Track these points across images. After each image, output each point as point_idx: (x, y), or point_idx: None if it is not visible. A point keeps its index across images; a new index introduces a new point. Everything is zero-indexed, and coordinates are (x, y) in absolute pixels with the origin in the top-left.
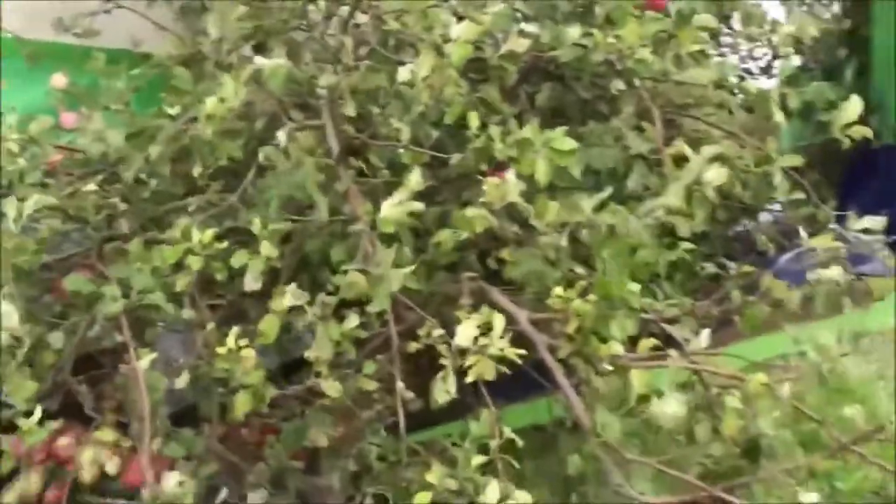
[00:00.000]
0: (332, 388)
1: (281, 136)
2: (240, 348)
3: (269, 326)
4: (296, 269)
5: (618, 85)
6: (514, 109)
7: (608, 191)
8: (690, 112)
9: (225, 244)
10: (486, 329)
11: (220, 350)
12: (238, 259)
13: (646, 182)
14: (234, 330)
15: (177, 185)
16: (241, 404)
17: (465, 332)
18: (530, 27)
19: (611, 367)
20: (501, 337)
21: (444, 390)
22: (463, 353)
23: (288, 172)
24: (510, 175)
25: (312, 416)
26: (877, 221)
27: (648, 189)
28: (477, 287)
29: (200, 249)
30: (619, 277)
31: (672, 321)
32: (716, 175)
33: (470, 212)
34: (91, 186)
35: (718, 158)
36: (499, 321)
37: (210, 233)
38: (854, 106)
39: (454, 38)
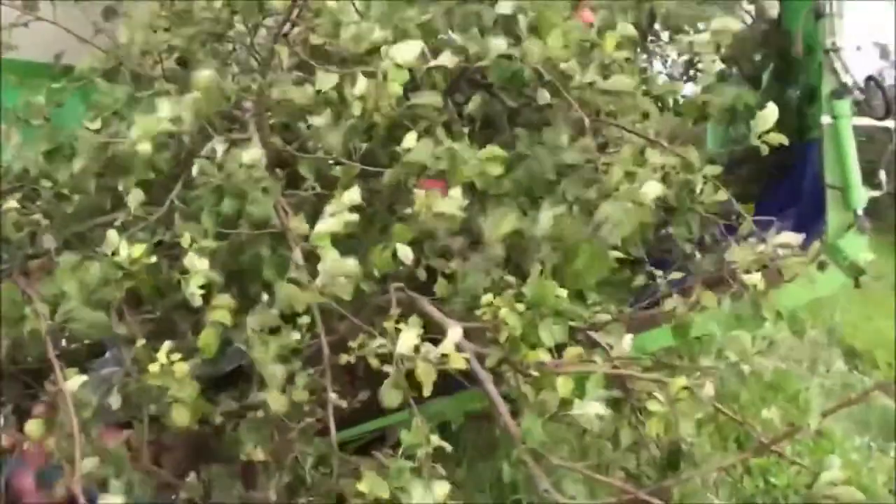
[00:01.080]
0: (276, 400)
1: (218, 147)
2: (171, 363)
3: (207, 340)
4: (227, 281)
5: (545, 95)
6: (443, 118)
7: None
8: (617, 120)
9: (154, 259)
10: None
11: (152, 366)
12: (174, 274)
13: (578, 193)
14: (167, 344)
15: (102, 200)
16: (180, 418)
17: (406, 341)
18: (456, 37)
19: (536, 374)
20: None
21: (393, 395)
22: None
23: (218, 185)
24: (454, 189)
25: (246, 429)
26: (795, 237)
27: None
28: (406, 298)
29: (129, 264)
30: (551, 285)
31: (599, 328)
32: (654, 188)
33: (400, 225)
34: (12, 203)
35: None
36: (454, 332)
37: (140, 247)
38: (770, 114)
39: (392, 60)
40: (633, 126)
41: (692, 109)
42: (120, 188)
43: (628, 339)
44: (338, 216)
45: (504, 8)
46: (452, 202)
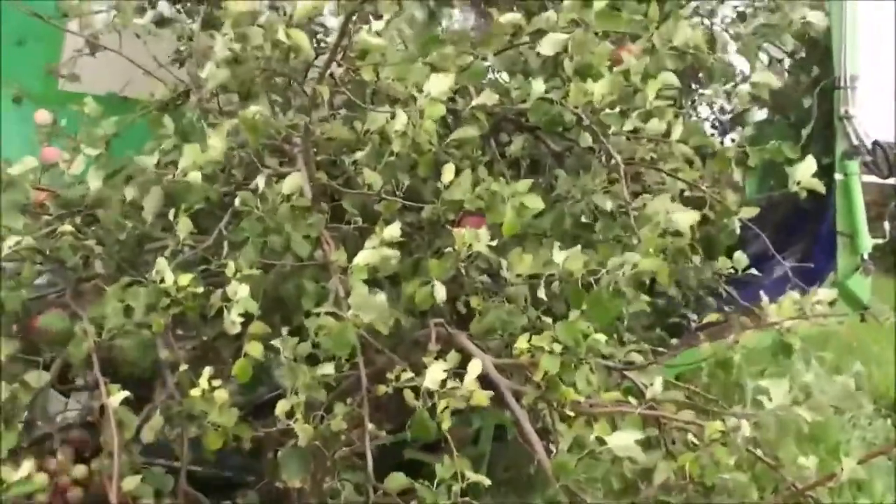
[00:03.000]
0: (303, 430)
1: (260, 181)
2: (213, 389)
3: (242, 369)
4: (269, 310)
5: (586, 139)
6: (485, 158)
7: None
8: (657, 165)
9: (201, 288)
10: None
11: (194, 391)
12: (215, 302)
13: (613, 235)
14: (207, 370)
15: (154, 228)
16: (212, 442)
17: (433, 375)
18: (501, 78)
19: (573, 414)
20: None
21: (420, 428)
22: (431, 394)
23: (263, 217)
24: (482, 227)
25: (285, 457)
26: (830, 294)
27: (618, 240)
28: (445, 332)
29: (176, 292)
30: (587, 328)
31: (634, 368)
32: (685, 217)
33: (435, 261)
34: (67, 227)
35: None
36: (475, 366)
37: (187, 277)
38: (809, 166)
39: (427, 94)
40: (674, 171)
41: (723, 163)
42: (170, 217)
43: (659, 380)
44: (376, 250)
45: (546, 48)
46: (482, 242)
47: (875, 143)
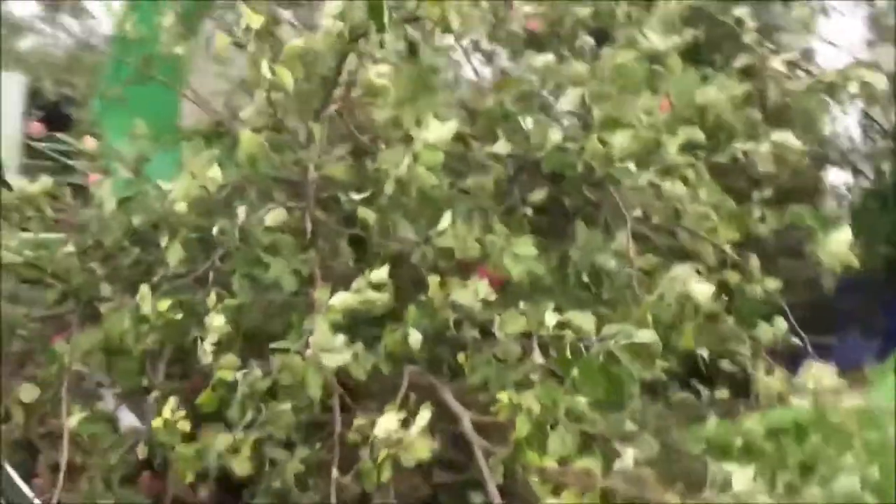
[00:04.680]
0: (240, 464)
1: (240, 213)
2: (176, 420)
3: (207, 399)
4: (246, 344)
5: (604, 192)
6: (501, 206)
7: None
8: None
9: (180, 315)
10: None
11: (155, 421)
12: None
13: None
14: (171, 401)
15: (151, 254)
16: (181, 472)
17: (385, 424)
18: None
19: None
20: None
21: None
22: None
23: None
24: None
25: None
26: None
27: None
28: (427, 382)
29: (155, 318)
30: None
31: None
32: (702, 289)
33: (414, 308)
34: (70, 248)
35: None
36: (422, 417)
37: (165, 303)
38: (842, 237)
39: (425, 140)
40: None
41: (740, 224)
42: (161, 245)
43: (630, 454)
44: (359, 292)
45: (566, 104)
46: (470, 293)
47: None
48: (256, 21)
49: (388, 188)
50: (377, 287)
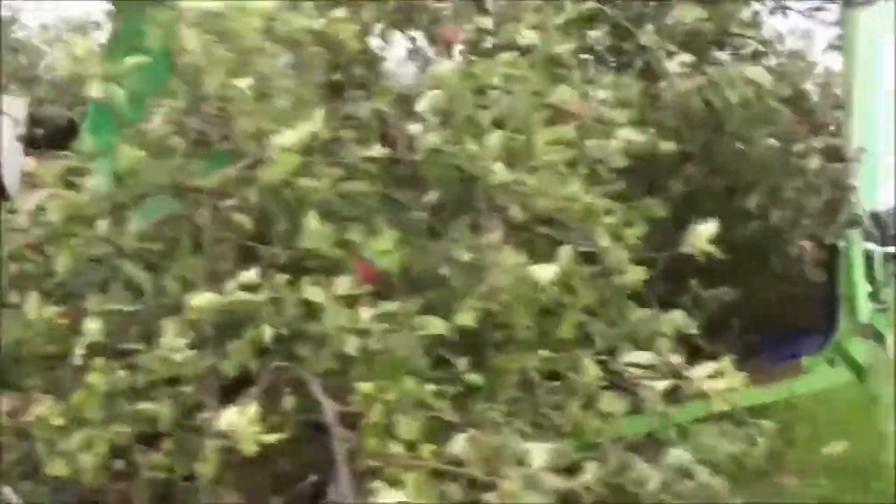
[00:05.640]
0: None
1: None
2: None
3: (80, 399)
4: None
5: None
6: (383, 208)
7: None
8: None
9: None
10: None
11: (25, 415)
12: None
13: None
14: (48, 402)
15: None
16: (57, 468)
17: (227, 417)
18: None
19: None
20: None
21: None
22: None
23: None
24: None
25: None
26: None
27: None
28: (297, 376)
29: (40, 324)
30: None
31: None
32: (545, 271)
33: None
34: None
35: None
36: (252, 408)
37: (51, 309)
38: (707, 230)
39: (279, 146)
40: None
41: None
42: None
43: (461, 438)
44: (230, 294)
45: (424, 105)
46: (317, 293)
47: (873, 214)
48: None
49: (251, 195)
50: (251, 289)
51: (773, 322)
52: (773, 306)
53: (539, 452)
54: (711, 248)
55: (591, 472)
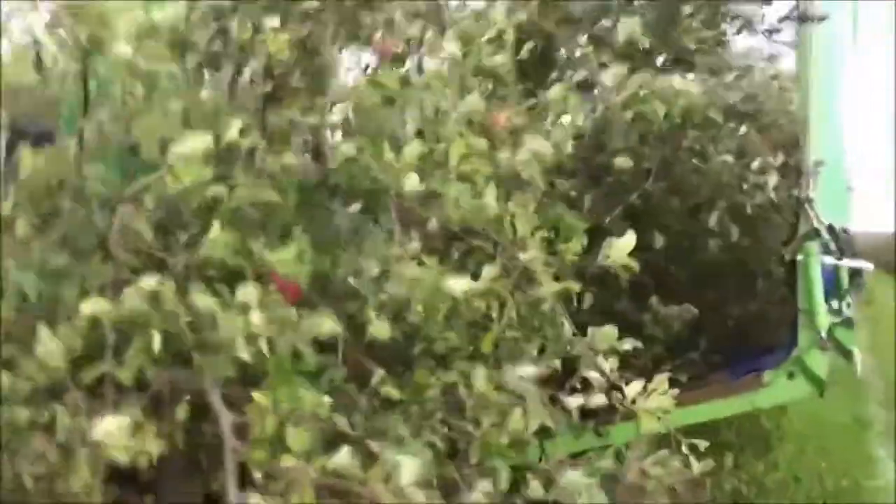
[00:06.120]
0: None
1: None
2: None
3: None
4: None
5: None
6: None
7: None
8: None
9: None
10: None
11: None
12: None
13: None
14: None
15: None
16: None
17: (103, 426)
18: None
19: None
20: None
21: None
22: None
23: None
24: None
25: None
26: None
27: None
28: (199, 387)
29: None
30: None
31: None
32: (458, 285)
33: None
34: None
35: None
36: (111, 421)
37: None
38: (627, 242)
39: (182, 154)
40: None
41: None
42: None
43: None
44: (122, 302)
45: (337, 116)
46: (205, 300)
47: (829, 227)
48: None
49: (149, 202)
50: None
51: (739, 338)
52: (738, 322)
53: (409, 467)
54: (630, 262)
55: (482, 490)
